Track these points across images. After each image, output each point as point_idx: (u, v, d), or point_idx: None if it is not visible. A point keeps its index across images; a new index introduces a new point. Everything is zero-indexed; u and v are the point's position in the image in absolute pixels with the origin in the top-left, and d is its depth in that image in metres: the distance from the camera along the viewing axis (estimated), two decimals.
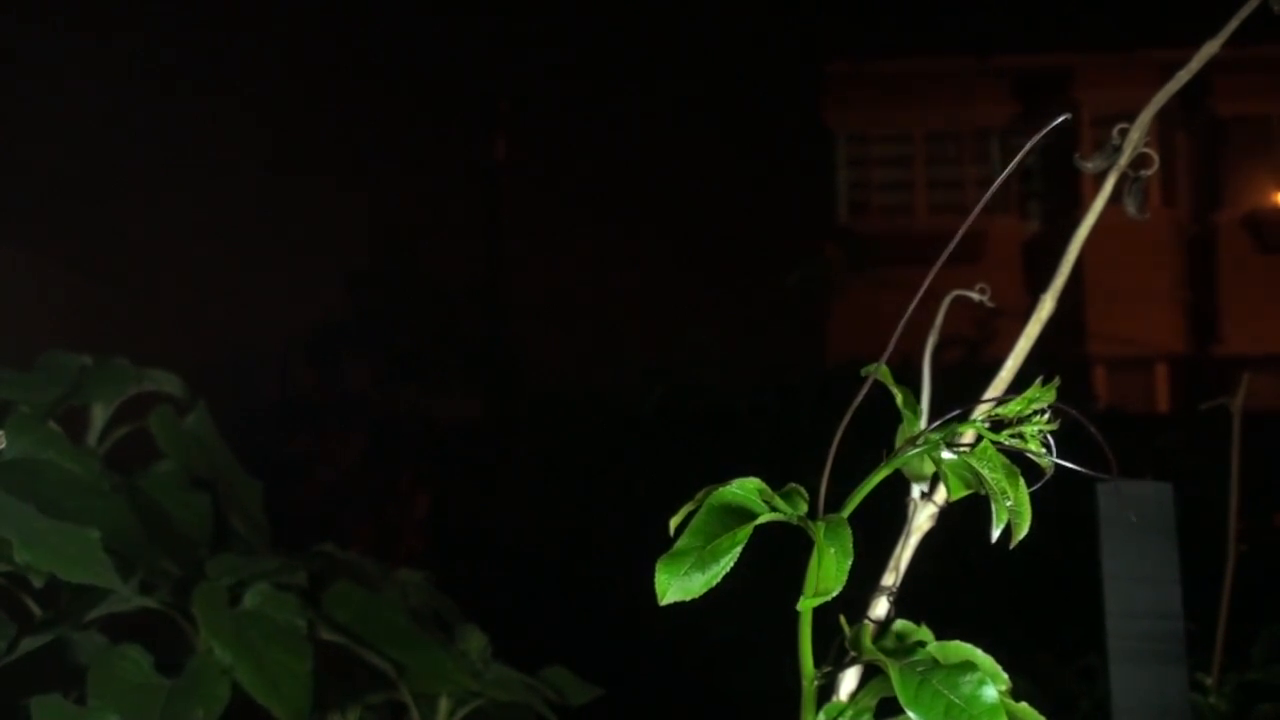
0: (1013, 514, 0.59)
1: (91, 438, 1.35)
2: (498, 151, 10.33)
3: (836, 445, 0.64)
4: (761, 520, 0.59)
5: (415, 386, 8.39)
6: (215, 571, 1.22)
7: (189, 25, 7.12)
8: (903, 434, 0.66)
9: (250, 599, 1.20)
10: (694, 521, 0.59)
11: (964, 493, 0.61)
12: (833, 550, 0.58)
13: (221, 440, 1.42)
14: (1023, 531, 0.60)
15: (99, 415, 1.35)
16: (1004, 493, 0.60)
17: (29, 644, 1.07)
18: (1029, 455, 0.62)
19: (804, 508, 0.62)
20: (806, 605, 0.56)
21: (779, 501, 0.61)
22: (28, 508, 1.05)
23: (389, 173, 9.19)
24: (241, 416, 6.32)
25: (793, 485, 0.62)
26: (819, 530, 0.59)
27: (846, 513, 0.61)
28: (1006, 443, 0.62)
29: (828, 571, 0.57)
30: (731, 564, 0.58)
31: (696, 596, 0.57)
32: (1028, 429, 0.62)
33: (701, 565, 0.57)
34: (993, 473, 0.60)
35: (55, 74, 5.79)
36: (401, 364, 8.47)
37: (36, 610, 1.14)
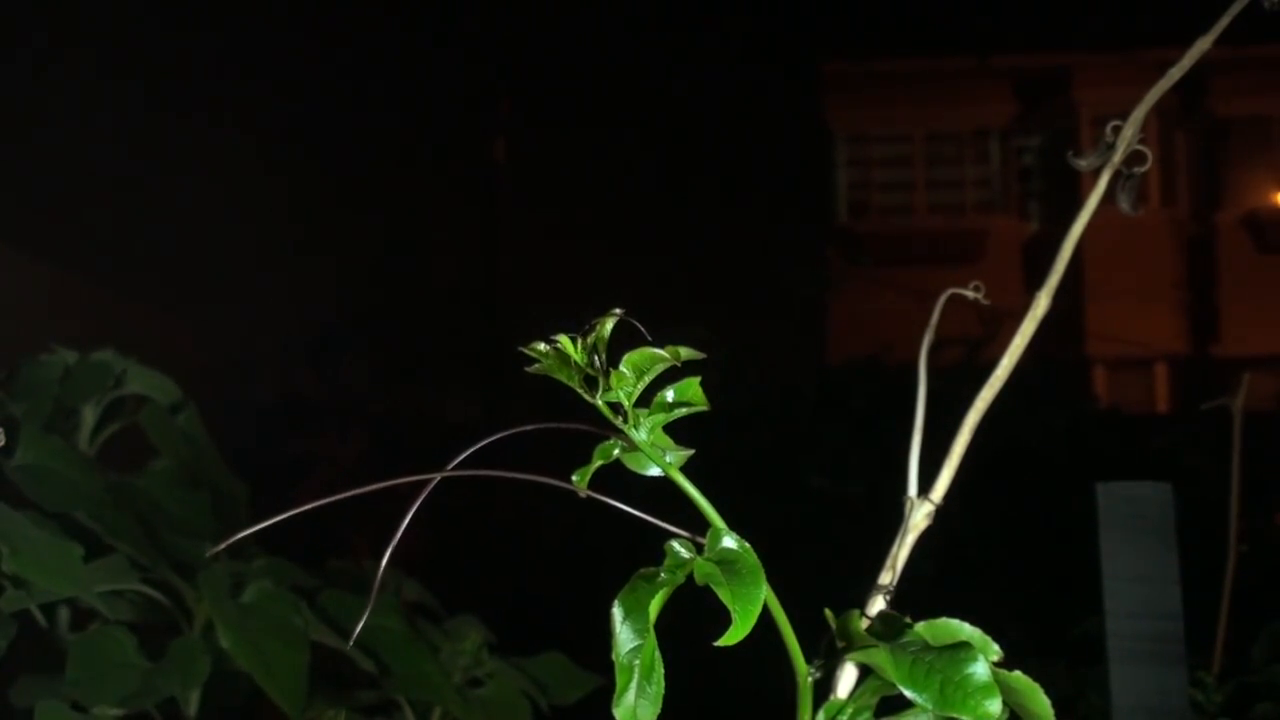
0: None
1: (83, 437, 1.35)
2: (498, 151, 10.33)
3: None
4: (656, 610, 0.58)
5: (415, 387, 8.39)
6: (220, 570, 1.23)
7: (190, 27, 7.13)
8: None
9: (249, 594, 1.22)
10: (616, 651, 0.58)
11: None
12: (723, 583, 0.57)
13: (211, 441, 1.43)
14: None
15: (89, 415, 1.36)
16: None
17: (5, 603, 1.07)
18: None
19: (691, 551, 0.61)
20: (725, 643, 0.56)
21: (669, 567, 0.60)
22: (23, 517, 1.08)
23: (388, 173, 9.19)
24: (240, 417, 6.32)
25: (675, 543, 0.61)
26: (698, 568, 0.59)
27: (721, 536, 0.60)
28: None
29: (732, 607, 0.56)
30: (662, 669, 0.58)
31: (659, 710, 0.57)
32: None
33: (644, 687, 0.58)
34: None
35: (56, 74, 5.79)
36: (401, 364, 8.46)
37: (10, 587, 1.14)
